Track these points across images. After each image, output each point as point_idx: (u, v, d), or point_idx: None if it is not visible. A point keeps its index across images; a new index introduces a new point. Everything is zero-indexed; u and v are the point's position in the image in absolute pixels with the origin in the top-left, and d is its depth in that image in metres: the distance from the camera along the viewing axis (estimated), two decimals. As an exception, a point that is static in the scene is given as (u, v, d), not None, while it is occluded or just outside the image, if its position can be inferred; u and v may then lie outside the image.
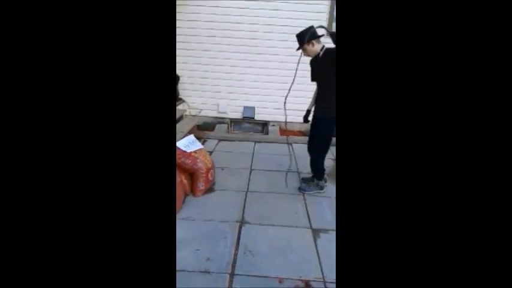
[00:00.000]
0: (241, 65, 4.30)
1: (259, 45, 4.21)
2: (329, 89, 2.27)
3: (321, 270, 1.68)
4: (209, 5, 4.08)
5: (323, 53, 2.27)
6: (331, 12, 4.08)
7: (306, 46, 2.28)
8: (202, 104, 4.47)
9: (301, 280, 1.59)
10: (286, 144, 3.70)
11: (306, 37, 2.24)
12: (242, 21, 4.13)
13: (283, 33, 4.06)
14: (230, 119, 4.55)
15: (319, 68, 2.31)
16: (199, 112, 4.47)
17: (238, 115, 4.54)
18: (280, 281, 1.58)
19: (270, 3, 4.04)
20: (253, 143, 3.97)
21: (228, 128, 4.54)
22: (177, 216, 2.14)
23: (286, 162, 3.28)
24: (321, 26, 2.28)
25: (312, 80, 2.44)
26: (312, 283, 1.58)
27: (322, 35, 2.33)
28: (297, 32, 2.32)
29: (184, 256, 1.72)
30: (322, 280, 1.60)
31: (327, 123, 2.35)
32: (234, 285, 1.54)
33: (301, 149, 3.30)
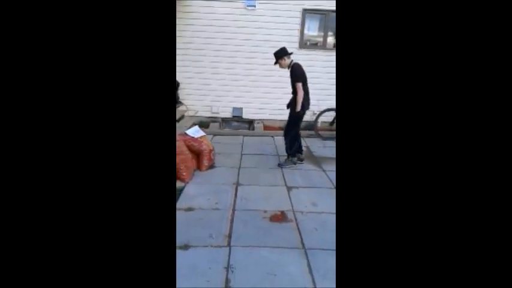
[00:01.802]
0: (230, 72, 5.19)
1: (245, 57, 5.11)
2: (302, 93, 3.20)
3: (291, 205, 2.55)
4: (196, 24, 4.96)
5: (291, 66, 3.20)
6: (302, 24, 5.03)
7: (280, 61, 3.24)
8: (198, 106, 5.31)
9: (278, 210, 2.45)
10: (269, 137, 4.58)
11: (279, 54, 3.21)
12: (230, 37, 5.03)
13: (264, 46, 4.99)
14: (221, 118, 5.40)
15: (290, 76, 3.23)
16: (196, 113, 5.29)
17: (228, 115, 5.40)
18: (265, 211, 2.44)
19: (252, 22, 4.96)
20: (242, 137, 4.81)
21: (220, 125, 5.38)
22: (190, 182, 2.96)
23: (269, 149, 4.16)
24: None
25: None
26: (285, 212, 2.44)
27: (291, 53, 3.26)
28: (275, 50, 3.26)
29: (200, 202, 2.55)
30: (291, 210, 2.47)
31: (296, 114, 3.27)
32: (235, 215, 2.37)
33: (282, 141, 4.21)
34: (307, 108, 3.32)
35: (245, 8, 4.95)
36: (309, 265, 1.81)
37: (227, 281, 1.65)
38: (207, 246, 1.95)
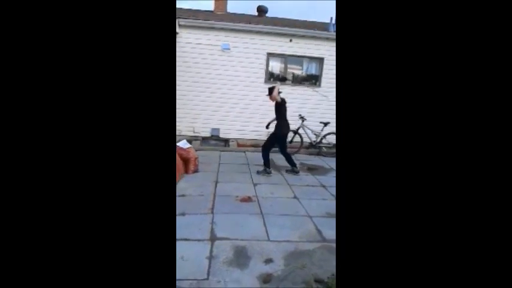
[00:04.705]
0: (209, 101, 6.34)
1: (221, 88, 6.32)
2: (279, 119, 4.39)
3: (256, 193, 3.62)
4: (182, 61, 6.15)
5: (280, 101, 4.35)
6: (266, 64, 6.38)
7: (271, 96, 4.34)
8: (182, 127, 6.33)
9: (246, 196, 3.50)
10: (241, 152, 5.67)
11: (272, 90, 4.33)
12: (209, 72, 6.25)
13: (236, 80, 6.24)
14: (202, 137, 6.45)
15: (276, 108, 4.38)
16: (180, 132, 6.29)
17: (207, 134, 6.46)
18: (237, 196, 3.47)
19: (226, 61, 6.24)
20: (219, 152, 5.87)
21: (200, 143, 6.40)
22: (180, 181, 3.92)
23: (241, 161, 5.24)
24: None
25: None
26: (251, 197, 3.49)
27: (281, 92, 4.42)
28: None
29: (189, 192, 3.52)
30: (256, 196, 3.53)
31: (276, 137, 4.44)
32: (216, 199, 3.37)
33: (252, 155, 5.33)
34: (288, 130, 4.51)
35: (222, 50, 6.24)
36: (263, 221, 2.86)
37: (212, 228, 2.64)
38: (197, 214, 2.93)
